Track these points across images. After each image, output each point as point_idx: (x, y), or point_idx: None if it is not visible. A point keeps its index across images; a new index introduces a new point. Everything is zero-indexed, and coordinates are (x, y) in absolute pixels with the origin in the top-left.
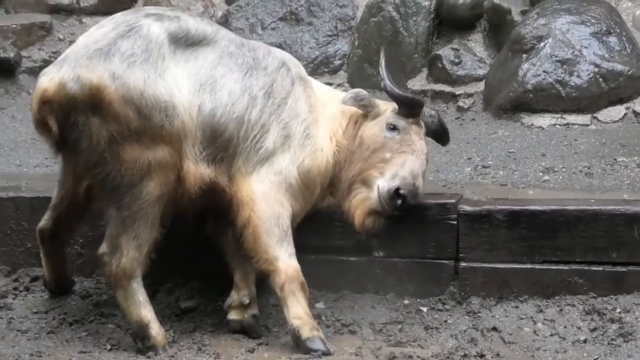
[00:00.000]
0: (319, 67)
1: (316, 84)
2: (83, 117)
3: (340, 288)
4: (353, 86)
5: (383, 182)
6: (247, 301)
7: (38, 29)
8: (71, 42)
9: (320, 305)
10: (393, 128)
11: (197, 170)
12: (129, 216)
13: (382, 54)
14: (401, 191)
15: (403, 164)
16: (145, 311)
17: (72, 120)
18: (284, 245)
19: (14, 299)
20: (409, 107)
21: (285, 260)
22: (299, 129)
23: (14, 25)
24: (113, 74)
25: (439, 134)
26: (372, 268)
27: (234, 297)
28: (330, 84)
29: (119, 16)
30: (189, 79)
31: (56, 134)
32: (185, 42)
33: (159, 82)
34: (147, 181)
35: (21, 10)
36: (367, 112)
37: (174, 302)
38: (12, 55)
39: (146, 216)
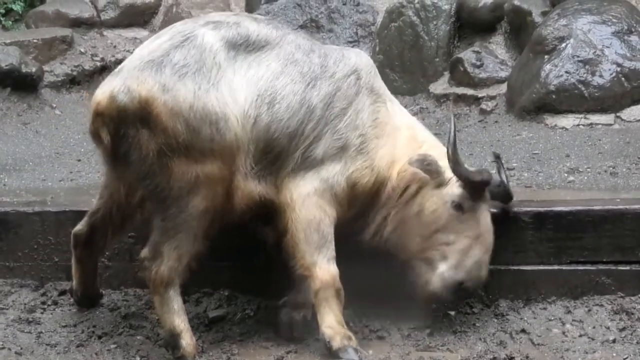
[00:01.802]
0: None
1: (396, 105)
2: (133, 129)
3: (368, 295)
4: None
5: (447, 271)
6: (301, 301)
7: (59, 43)
8: (93, 56)
9: (348, 312)
10: (458, 207)
11: (246, 186)
12: (173, 227)
13: (452, 124)
14: (466, 284)
15: (468, 252)
16: (178, 320)
17: (123, 133)
18: (323, 251)
19: (42, 313)
20: (478, 190)
21: (322, 266)
22: (354, 141)
23: (35, 40)
24: (163, 86)
25: (503, 198)
26: (400, 274)
27: (292, 295)
28: None
29: (178, 25)
30: (247, 88)
31: (109, 146)
32: (245, 48)
33: (211, 93)
34: (193, 195)
35: (42, 24)
36: (431, 178)
37: (202, 312)
38: (34, 70)
39: (190, 229)
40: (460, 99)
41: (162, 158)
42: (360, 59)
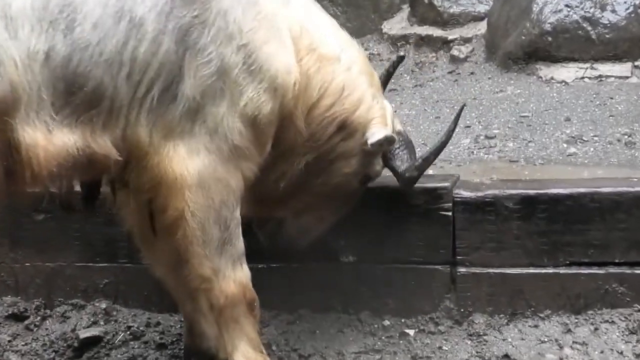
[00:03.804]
0: None
1: None
2: None
3: (296, 306)
4: None
5: (291, 222)
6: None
7: None
8: None
9: (270, 330)
10: (364, 182)
11: (52, 141)
12: None
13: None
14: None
15: (321, 222)
16: None
17: None
18: (226, 250)
19: None
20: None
21: (226, 274)
22: (234, 59)
23: None
24: None
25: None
26: (340, 278)
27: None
28: None
29: None
30: (33, 14)
31: None
32: None
33: None
34: None
35: None
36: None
37: (70, 331)
38: None
39: None
40: (423, 42)
41: None
42: None
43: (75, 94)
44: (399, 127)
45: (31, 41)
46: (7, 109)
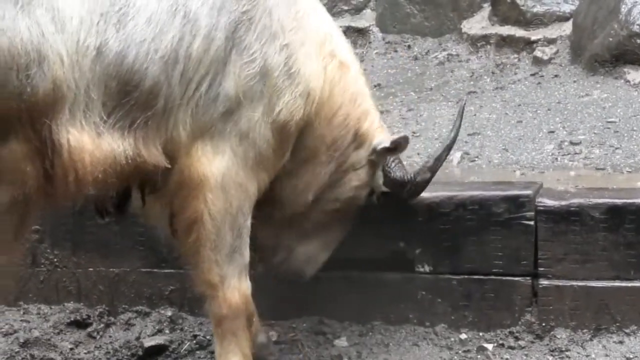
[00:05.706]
0: (335, 5)
1: None
2: None
3: (369, 317)
4: (384, 31)
5: (299, 250)
6: None
7: None
8: None
9: (341, 342)
10: (369, 196)
11: (100, 145)
12: None
13: (458, 119)
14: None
15: (325, 246)
16: None
17: None
18: (235, 259)
19: None
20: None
21: (231, 283)
22: (277, 59)
23: None
24: None
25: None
26: (415, 289)
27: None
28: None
29: None
30: (83, 5)
31: None
32: None
33: (19, 21)
34: None
35: None
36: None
37: (135, 339)
38: None
39: None
40: (505, 42)
41: None
42: None
43: (130, 93)
44: None
45: (80, 35)
46: (46, 110)
